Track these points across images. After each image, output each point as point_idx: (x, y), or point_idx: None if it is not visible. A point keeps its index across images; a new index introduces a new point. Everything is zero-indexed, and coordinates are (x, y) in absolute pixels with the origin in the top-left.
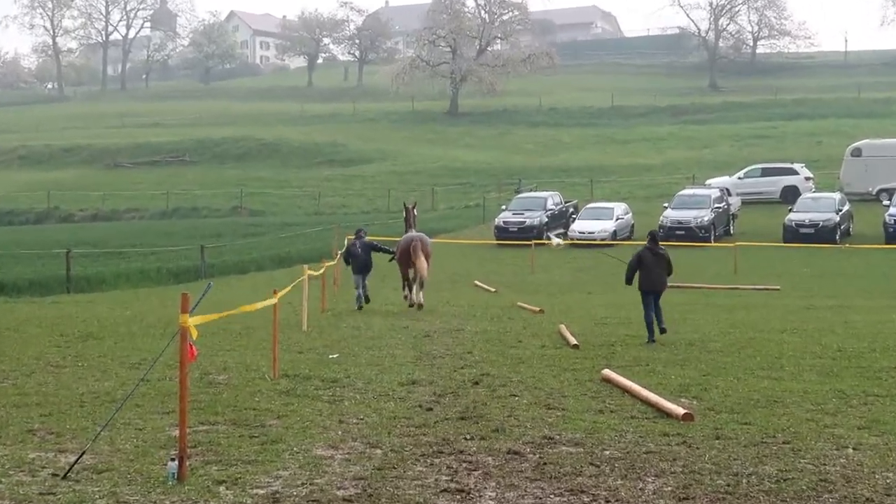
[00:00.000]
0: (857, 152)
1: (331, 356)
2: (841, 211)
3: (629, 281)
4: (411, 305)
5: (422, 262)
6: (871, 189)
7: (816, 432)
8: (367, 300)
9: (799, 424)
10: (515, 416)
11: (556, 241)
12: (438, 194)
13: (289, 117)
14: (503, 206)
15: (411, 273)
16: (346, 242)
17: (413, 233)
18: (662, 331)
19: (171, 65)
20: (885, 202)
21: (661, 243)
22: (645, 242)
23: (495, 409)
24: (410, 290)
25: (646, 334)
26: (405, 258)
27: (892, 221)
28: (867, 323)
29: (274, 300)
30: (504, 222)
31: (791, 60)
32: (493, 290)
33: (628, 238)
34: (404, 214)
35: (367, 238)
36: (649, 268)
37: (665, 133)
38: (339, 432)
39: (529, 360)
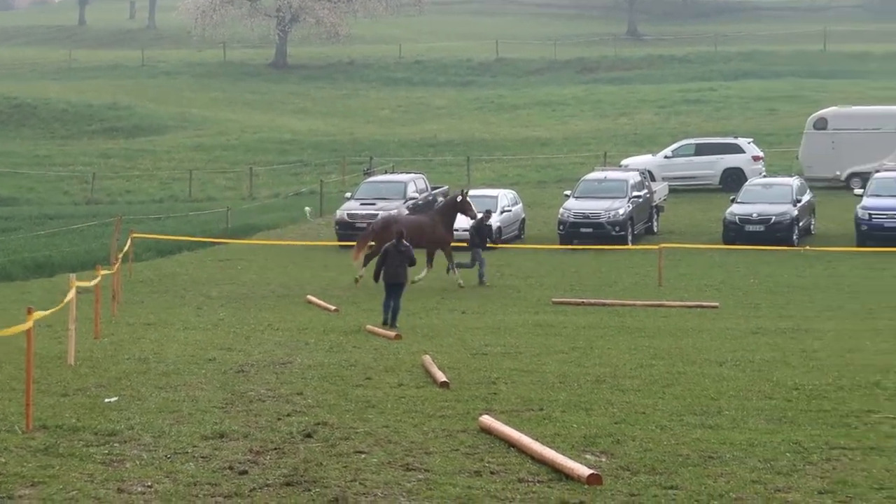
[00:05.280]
0: (821, 124)
1: (107, 399)
2: (800, 202)
3: (378, 277)
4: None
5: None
6: (838, 173)
7: (765, 498)
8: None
9: (742, 487)
10: (362, 480)
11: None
12: (260, 176)
13: (52, 69)
14: (348, 194)
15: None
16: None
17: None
18: (387, 323)
19: None
20: (857, 190)
21: (562, 246)
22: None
23: (334, 470)
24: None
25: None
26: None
27: (866, 216)
28: (832, 352)
29: (28, 323)
30: (349, 215)
31: (736, 0)
32: (332, 308)
33: (517, 237)
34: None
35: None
36: (393, 263)
37: (567, 96)
38: None
39: (381, 404)
